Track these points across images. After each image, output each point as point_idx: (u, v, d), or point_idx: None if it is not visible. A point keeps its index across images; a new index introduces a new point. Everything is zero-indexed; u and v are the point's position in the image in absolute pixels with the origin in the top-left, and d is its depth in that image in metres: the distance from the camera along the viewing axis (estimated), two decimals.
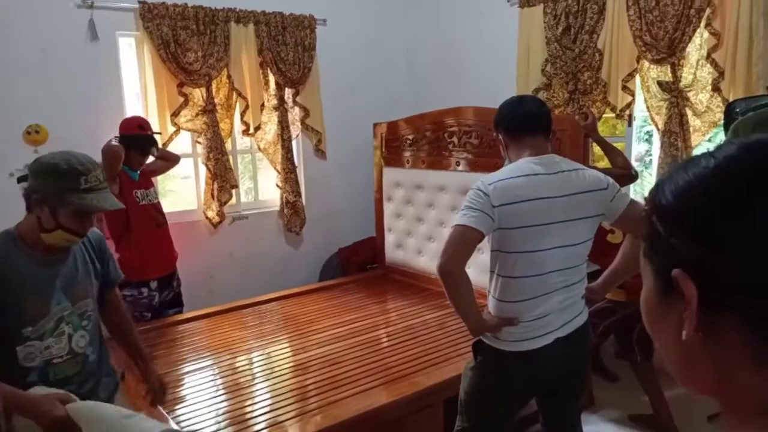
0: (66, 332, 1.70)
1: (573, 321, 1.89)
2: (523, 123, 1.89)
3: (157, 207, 3.47)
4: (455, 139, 3.65)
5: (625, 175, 2.67)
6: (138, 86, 3.86)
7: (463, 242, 1.73)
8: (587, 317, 1.96)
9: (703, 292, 0.48)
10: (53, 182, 1.59)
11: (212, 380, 2.72)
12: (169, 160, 3.68)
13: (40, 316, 1.64)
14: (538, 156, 1.84)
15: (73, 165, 1.60)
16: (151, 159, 3.49)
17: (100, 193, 1.65)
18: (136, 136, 3.32)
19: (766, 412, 0.48)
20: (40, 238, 1.63)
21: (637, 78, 3.46)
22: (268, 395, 2.52)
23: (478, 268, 2.89)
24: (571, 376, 1.98)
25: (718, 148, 0.51)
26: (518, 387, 1.94)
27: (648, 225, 0.53)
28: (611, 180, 1.89)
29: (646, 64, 3.37)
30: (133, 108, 3.88)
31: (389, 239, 4.24)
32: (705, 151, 0.53)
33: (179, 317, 3.47)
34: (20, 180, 1.69)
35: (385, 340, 3.10)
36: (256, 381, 2.70)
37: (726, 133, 2.70)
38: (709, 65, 3.12)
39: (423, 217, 3.94)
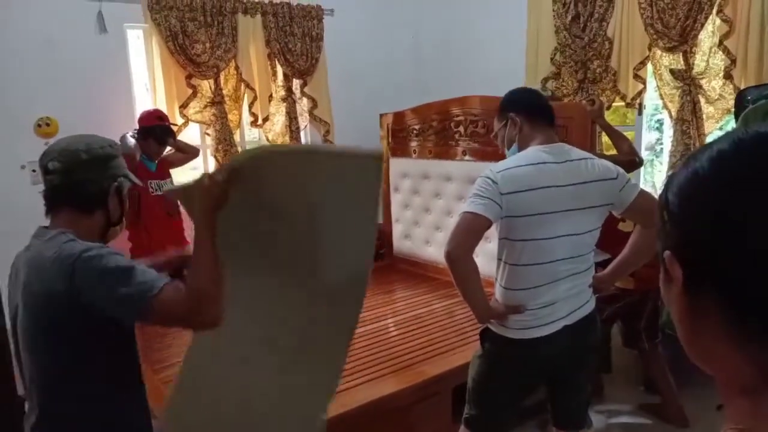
0: None
1: (580, 309, 1.89)
2: (542, 111, 1.91)
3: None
4: (461, 129, 3.64)
5: (631, 161, 2.65)
6: (147, 78, 3.88)
7: (470, 229, 1.73)
8: (594, 306, 1.95)
9: (687, 275, 0.52)
10: (120, 163, 1.44)
11: None
12: (188, 153, 3.71)
13: None
14: (548, 144, 1.84)
15: (114, 145, 1.47)
16: (168, 150, 3.55)
17: None
18: (154, 127, 3.39)
19: (745, 392, 0.50)
20: (103, 239, 1.42)
21: (648, 66, 3.43)
22: None
23: (485, 256, 2.89)
24: (579, 364, 1.98)
25: (718, 139, 0.53)
26: (525, 374, 1.94)
27: (658, 214, 0.57)
28: (621, 170, 1.88)
29: (659, 51, 3.34)
30: (142, 100, 3.91)
31: (397, 229, 4.24)
32: (708, 142, 0.55)
33: None
34: (63, 178, 1.36)
35: (393, 329, 3.11)
36: None
37: (737, 121, 2.68)
38: (721, 52, 3.09)
39: (430, 206, 3.94)
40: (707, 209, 0.50)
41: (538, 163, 1.79)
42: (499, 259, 1.88)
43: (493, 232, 1.88)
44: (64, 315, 1.26)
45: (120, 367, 1.39)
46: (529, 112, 1.91)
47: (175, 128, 3.64)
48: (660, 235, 0.56)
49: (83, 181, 1.36)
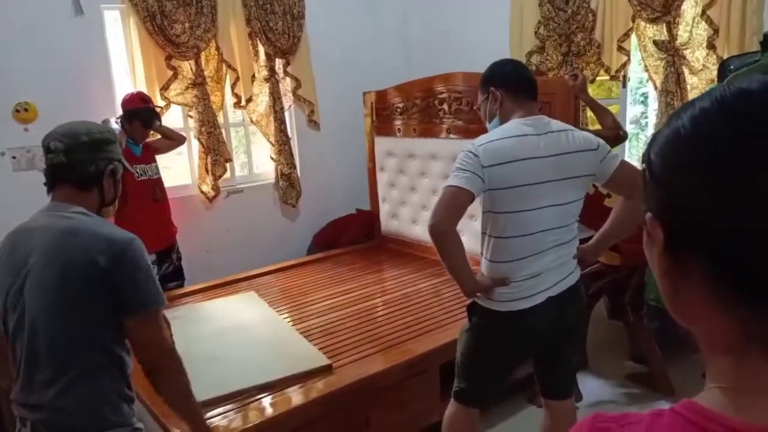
0: None
1: (565, 280, 1.90)
2: (524, 85, 1.90)
3: (157, 182, 3.48)
4: (446, 106, 3.61)
5: (615, 135, 2.64)
6: (126, 60, 3.81)
7: (453, 203, 1.73)
8: (579, 277, 1.97)
9: (668, 235, 0.51)
10: (116, 147, 1.59)
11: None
12: (175, 140, 3.66)
13: None
14: (529, 117, 1.84)
15: (111, 131, 1.62)
16: (156, 137, 3.50)
17: None
18: (138, 110, 3.33)
19: (728, 351, 0.49)
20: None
21: (632, 38, 3.41)
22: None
23: (470, 234, 2.90)
24: (565, 335, 2.00)
25: (700, 96, 0.51)
26: (512, 346, 1.96)
27: (641, 174, 0.56)
28: (601, 141, 1.89)
29: (642, 23, 3.32)
30: (121, 83, 3.84)
31: (383, 209, 4.23)
32: (691, 99, 0.53)
33: (178, 291, 3.49)
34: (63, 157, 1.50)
35: (380, 308, 3.13)
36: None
37: None
38: (704, 22, 3.07)
39: (416, 186, 3.93)
40: (690, 172, 0.48)
41: (519, 136, 1.79)
42: (484, 233, 1.89)
43: (477, 210, 1.88)
44: (95, 285, 1.41)
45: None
46: (509, 86, 1.90)
47: (159, 110, 3.59)
48: (643, 194, 0.55)
49: (82, 161, 1.49)
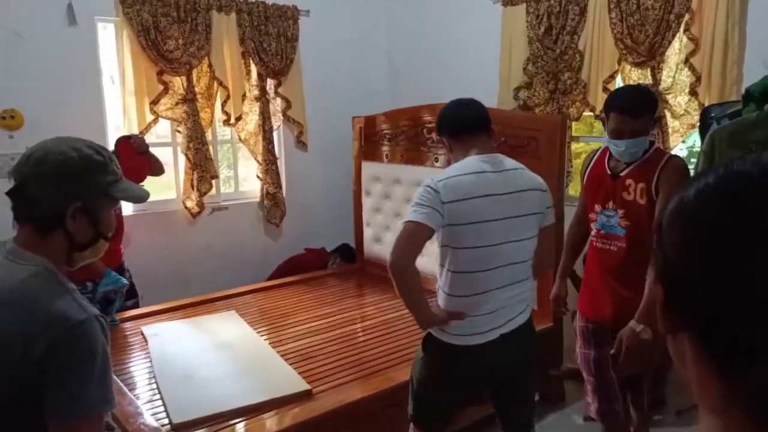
0: None
1: (516, 318, 1.94)
2: (466, 124, 1.96)
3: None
4: (434, 135, 3.66)
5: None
6: (116, 72, 3.80)
7: (413, 239, 1.76)
8: (530, 315, 2.02)
9: (666, 296, 0.55)
10: (95, 177, 1.23)
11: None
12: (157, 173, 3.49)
13: None
14: (485, 154, 1.90)
15: (100, 151, 1.26)
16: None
17: (125, 179, 1.32)
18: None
19: (714, 411, 0.52)
20: (68, 264, 1.27)
21: (618, 79, 3.51)
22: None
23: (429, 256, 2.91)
24: (518, 373, 2.03)
25: (712, 170, 0.55)
26: (463, 380, 1.98)
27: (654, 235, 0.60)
28: (548, 188, 2.00)
29: (628, 66, 3.42)
30: (110, 94, 3.83)
31: (367, 233, 4.25)
32: (706, 169, 0.57)
33: (151, 309, 3.42)
34: (17, 192, 1.20)
35: (361, 334, 3.12)
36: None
37: (701, 136, 2.77)
38: (687, 69, 3.18)
39: (401, 212, 3.94)
40: (685, 242, 0.53)
41: (478, 172, 1.84)
42: (441, 266, 1.91)
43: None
44: (25, 369, 1.10)
45: None
46: (451, 132, 1.98)
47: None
48: (653, 256, 0.59)
49: (36, 197, 1.19)
